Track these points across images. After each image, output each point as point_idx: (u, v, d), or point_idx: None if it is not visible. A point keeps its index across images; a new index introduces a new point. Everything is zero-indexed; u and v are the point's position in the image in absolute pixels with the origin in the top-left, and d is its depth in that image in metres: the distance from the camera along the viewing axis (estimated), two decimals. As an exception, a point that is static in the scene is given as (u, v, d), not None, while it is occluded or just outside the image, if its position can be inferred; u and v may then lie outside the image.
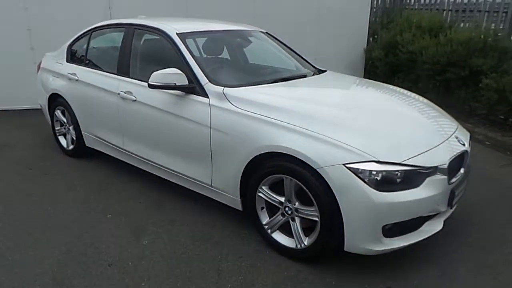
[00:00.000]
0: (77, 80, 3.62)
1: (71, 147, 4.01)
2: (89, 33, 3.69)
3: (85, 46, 3.71)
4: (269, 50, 3.50)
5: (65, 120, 3.99)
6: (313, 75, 3.18)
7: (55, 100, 3.97)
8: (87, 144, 3.81)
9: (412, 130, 2.33)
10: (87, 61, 3.66)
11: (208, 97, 2.59)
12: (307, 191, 2.13)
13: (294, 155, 2.11)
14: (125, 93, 3.09)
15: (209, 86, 2.62)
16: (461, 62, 5.28)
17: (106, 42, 3.72)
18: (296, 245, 2.29)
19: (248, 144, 2.32)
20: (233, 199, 2.58)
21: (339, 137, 2.06)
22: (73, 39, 3.89)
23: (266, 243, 2.48)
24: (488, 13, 5.92)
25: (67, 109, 3.83)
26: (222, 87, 2.59)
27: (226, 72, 2.99)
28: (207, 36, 3.16)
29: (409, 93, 3.03)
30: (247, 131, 2.33)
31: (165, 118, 2.80)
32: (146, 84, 2.91)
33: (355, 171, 1.96)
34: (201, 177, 2.72)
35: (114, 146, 3.42)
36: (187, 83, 2.65)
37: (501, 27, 5.67)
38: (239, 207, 2.59)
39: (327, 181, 2.02)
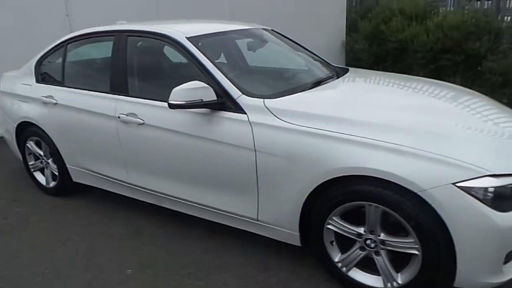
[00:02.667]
0: (55, 104, 2.95)
1: (52, 184, 3.32)
2: (63, 45, 3.02)
3: (60, 62, 3.04)
4: (284, 49, 3.05)
5: (41, 153, 3.29)
6: (342, 74, 2.77)
7: (26, 129, 3.26)
8: (74, 180, 3.15)
9: (501, 133, 1.98)
10: (66, 80, 3.00)
11: (245, 113, 2.10)
12: (402, 219, 1.72)
13: (385, 178, 1.69)
14: (126, 115, 2.51)
15: (244, 99, 2.13)
16: (456, 48, 5.15)
17: (89, 54, 3.08)
18: (386, 285, 1.88)
19: (314, 168, 1.87)
20: (289, 234, 2.11)
21: (440, 150, 1.66)
22: (41, 54, 3.19)
23: (339, 284, 2.05)
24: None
25: (43, 139, 3.15)
26: (261, 99, 2.11)
27: (255, 80, 2.51)
28: (219, 39, 2.65)
29: (462, 88, 2.70)
30: (311, 151, 1.87)
31: (188, 143, 2.27)
32: (155, 103, 2.39)
33: (468, 190, 1.58)
34: (243, 211, 2.23)
35: (115, 180, 2.81)
36: (215, 98, 2.14)
37: (485, 8, 5.63)
38: (297, 242, 2.13)
39: (433, 206, 1.62)
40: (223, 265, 2.31)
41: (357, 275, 1.97)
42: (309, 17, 6.53)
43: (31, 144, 3.31)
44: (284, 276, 2.18)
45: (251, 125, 2.06)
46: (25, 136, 3.30)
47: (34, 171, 3.43)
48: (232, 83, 2.18)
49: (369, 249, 1.89)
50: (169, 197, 2.53)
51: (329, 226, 1.95)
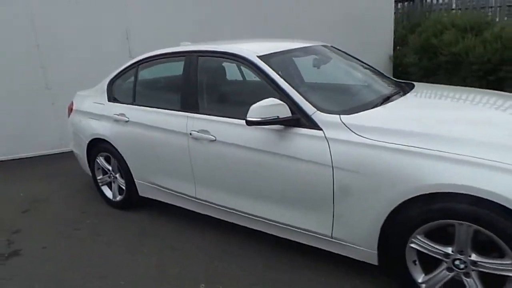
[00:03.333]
0: (127, 121, 3.11)
1: (118, 198, 3.48)
2: (135, 66, 3.21)
3: (132, 82, 3.22)
4: (346, 65, 3.06)
5: (109, 168, 3.46)
6: (408, 89, 2.71)
7: (97, 145, 3.45)
8: (141, 194, 3.28)
9: None
10: (138, 99, 3.16)
11: (320, 129, 2.11)
12: (499, 240, 1.64)
13: (483, 196, 1.62)
14: (198, 132, 2.60)
15: (319, 116, 2.15)
16: (515, 60, 4.93)
17: (159, 74, 3.24)
18: (477, 308, 1.79)
19: (398, 184, 1.83)
20: (366, 252, 2.07)
21: None
22: (114, 75, 3.40)
23: (422, 306, 1.97)
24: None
25: (113, 155, 3.32)
26: (337, 115, 2.12)
27: (326, 96, 2.52)
28: (287, 56, 2.70)
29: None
30: (394, 167, 1.84)
31: (261, 159, 2.30)
32: (227, 120, 2.46)
33: None
34: (316, 227, 2.21)
35: (182, 195, 2.89)
36: (290, 114, 2.17)
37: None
38: (374, 261, 2.08)
39: (535, 226, 1.54)
40: (295, 283, 2.29)
41: (443, 297, 1.88)
42: (356, 31, 6.50)
43: (100, 160, 3.49)
44: (359, 295, 2.13)
45: (327, 141, 2.06)
46: (95, 151, 3.49)
47: (102, 185, 3.61)
48: (306, 99, 2.21)
49: (458, 270, 1.81)
50: (238, 213, 2.57)
51: (412, 245, 1.89)
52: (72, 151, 3.95)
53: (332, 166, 2.03)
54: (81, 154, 3.68)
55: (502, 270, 1.69)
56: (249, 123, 2.16)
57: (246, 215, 2.53)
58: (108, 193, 3.57)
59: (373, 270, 2.20)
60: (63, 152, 5.18)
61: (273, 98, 2.18)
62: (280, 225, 2.37)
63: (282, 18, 6.07)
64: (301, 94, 2.24)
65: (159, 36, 5.18)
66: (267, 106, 2.13)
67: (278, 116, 2.14)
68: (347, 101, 2.44)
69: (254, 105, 2.14)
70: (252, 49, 2.57)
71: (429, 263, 1.92)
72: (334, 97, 2.57)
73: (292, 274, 2.35)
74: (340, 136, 2.04)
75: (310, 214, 2.21)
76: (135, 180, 3.24)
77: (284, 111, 2.15)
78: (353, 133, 2.02)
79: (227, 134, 2.46)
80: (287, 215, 2.31)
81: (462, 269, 1.80)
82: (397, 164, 1.84)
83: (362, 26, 6.62)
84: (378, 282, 2.20)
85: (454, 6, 7.40)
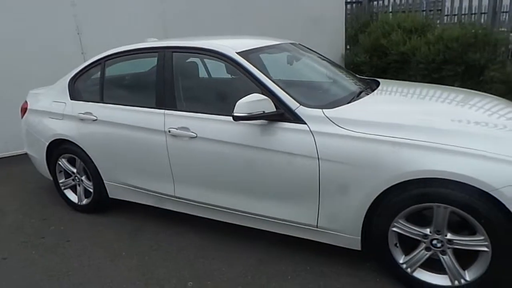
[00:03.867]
0: (94, 120, 2.96)
1: (85, 201, 3.30)
2: (100, 63, 3.05)
3: (98, 79, 3.07)
4: (314, 62, 3.17)
5: (74, 170, 3.27)
6: (376, 85, 2.89)
7: (58, 147, 3.24)
8: (111, 196, 3.14)
9: None
10: (106, 97, 3.01)
11: (305, 123, 2.19)
12: (472, 218, 1.82)
13: (458, 180, 1.79)
14: (177, 129, 2.55)
15: (302, 110, 2.22)
16: (457, 59, 5.42)
17: (128, 71, 3.11)
18: (453, 282, 1.97)
19: (380, 173, 1.96)
20: (350, 239, 2.19)
21: (504, 151, 1.79)
22: (76, 71, 3.21)
23: (403, 285, 2.12)
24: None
25: (79, 156, 3.14)
26: (320, 109, 2.21)
27: (305, 92, 2.60)
28: (263, 53, 2.74)
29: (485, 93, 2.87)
30: (377, 157, 1.97)
31: (246, 154, 2.33)
32: (208, 116, 2.46)
33: None
34: (302, 219, 2.29)
35: (159, 195, 2.82)
36: (274, 109, 2.22)
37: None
38: (357, 247, 2.20)
39: (504, 203, 1.74)
40: (280, 273, 2.35)
41: (423, 275, 2.05)
42: (311, 31, 6.73)
43: (63, 162, 3.29)
44: (346, 281, 2.24)
45: (313, 134, 2.15)
46: (57, 153, 3.28)
47: (65, 189, 3.40)
48: (289, 95, 2.27)
49: (435, 249, 1.99)
50: (220, 209, 2.57)
51: (394, 229, 2.04)
52: (26, 154, 3.67)
53: (318, 158, 2.12)
54: (39, 156, 3.43)
55: (475, 245, 1.88)
56: (236, 118, 2.17)
57: (229, 211, 2.54)
58: (72, 197, 3.38)
59: (352, 255, 2.33)
60: (11, 156, 4.80)
61: (257, 94, 2.22)
62: (265, 218, 2.42)
63: (239, 18, 6.13)
64: (283, 90, 2.30)
65: (112, 29, 4.99)
66: (253, 102, 2.16)
67: (263, 111, 2.18)
68: (324, 96, 2.54)
69: (240, 101, 2.16)
70: (229, 45, 2.58)
71: (406, 245, 2.09)
72: (312, 92, 2.66)
73: (281, 266, 2.41)
74: (325, 129, 2.13)
75: (296, 206, 2.28)
76: (104, 181, 3.10)
77: (269, 106, 2.20)
78: (337, 126, 2.12)
79: (208, 130, 2.45)
80: (271, 208, 2.36)
81: (439, 247, 1.98)
82: (380, 154, 1.97)
83: (316, 26, 6.88)
84: (359, 267, 2.34)
85: (391, 9, 7.94)
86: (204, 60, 3.09)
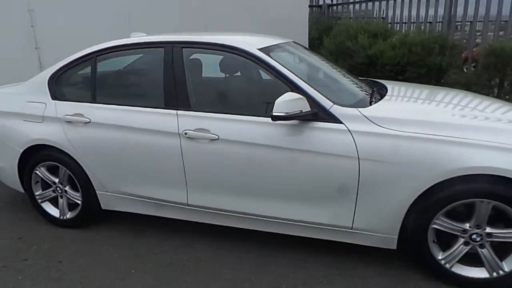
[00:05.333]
0: (87, 123, 2.62)
1: (69, 215, 2.91)
2: (91, 58, 2.70)
3: (89, 76, 2.71)
4: (319, 62, 3.14)
5: (55, 180, 2.87)
6: (383, 86, 2.91)
7: (36, 154, 2.82)
8: (104, 207, 2.81)
9: None
10: (100, 96, 2.67)
11: (341, 123, 2.13)
12: (513, 211, 1.90)
13: (502, 175, 1.85)
14: (194, 131, 2.35)
15: (337, 109, 2.16)
16: (420, 62, 5.78)
17: (127, 67, 2.80)
18: (491, 274, 2.04)
19: (424, 171, 1.96)
20: (387, 238, 2.17)
21: None
22: (57, 67, 2.80)
23: (440, 281, 2.15)
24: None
25: (64, 164, 2.76)
26: (355, 108, 2.17)
27: (331, 91, 2.51)
28: (277, 52, 2.62)
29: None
30: (421, 155, 1.97)
31: (278, 156, 2.20)
32: (231, 117, 2.30)
33: None
34: (336, 221, 2.22)
35: (168, 203, 2.57)
36: (309, 108, 2.13)
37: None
38: (393, 246, 2.19)
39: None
40: (313, 278, 2.27)
41: (461, 269, 2.10)
42: (277, 34, 6.77)
43: (42, 171, 2.87)
44: (382, 280, 2.22)
45: (351, 134, 2.09)
46: (34, 162, 2.85)
47: (42, 201, 2.97)
48: (322, 94, 2.20)
49: (474, 243, 2.04)
50: (244, 215, 2.41)
51: (435, 226, 2.06)
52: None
53: (358, 158, 2.07)
54: (8, 165, 2.95)
55: (512, 237, 1.97)
56: (275, 118, 2.05)
57: (254, 217, 2.39)
58: (53, 210, 2.96)
59: (380, 254, 2.32)
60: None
61: (292, 93, 2.12)
62: (294, 223, 2.31)
63: (211, 21, 5.96)
64: (314, 88, 2.22)
65: (70, 23, 4.51)
66: (291, 101, 2.05)
67: (301, 111, 2.08)
68: (348, 95, 2.51)
69: (279, 100, 2.04)
70: (246, 41, 2.44)
71: (441, 241, 2.12)
72: (335, 91, 2.61)
73: (311, 270, 2.32)
74: (363, 128, 2.09)
75: (330, 208, 2.20)
76: (96, 191, 2.75)
77: (305, 105, 2.10)
78: (375, 125, 2.09)
79: (233, 132, 2.28)
80: (303, 212, 2.27)
81: (478, 241, 2.04)
82: (424, 152, 1.97)
83: (282, 29, 6.93)
84: (389, 266, 2.34)
85: (352, 15, 8.32)
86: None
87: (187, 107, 2.42)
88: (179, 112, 2.42)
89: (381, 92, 2.66)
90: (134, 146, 2.52)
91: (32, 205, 3.01)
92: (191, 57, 2.55)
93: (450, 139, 1.96)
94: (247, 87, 2.64)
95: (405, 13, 6.91)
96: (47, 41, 4.42)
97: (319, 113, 2.16)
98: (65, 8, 4.56)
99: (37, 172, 2.88)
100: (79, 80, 2.82)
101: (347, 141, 2.09)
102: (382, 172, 2.05)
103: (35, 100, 2.84)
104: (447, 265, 2.11)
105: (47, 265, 2.47)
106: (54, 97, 2.79)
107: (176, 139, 2.40)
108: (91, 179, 2.72)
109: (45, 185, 2.93)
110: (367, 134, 2.08)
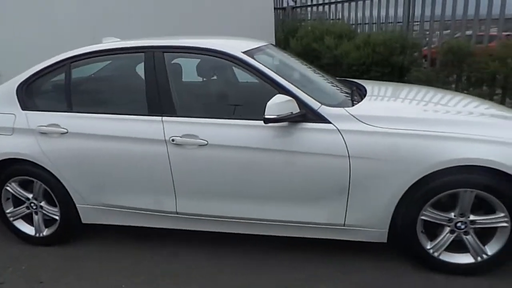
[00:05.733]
0: (64, 133, 2.49)
1: (46, 232, 2.75)
2: (64, 64, 2.56)
3: (62, 84, 2.57)
4: (297, 64, 3.19)
5: (29, 196, 2.69)
6: (362, 86, 3.00)
7: (6, 169, 2.64)
8: (84, 221, 2.67)
9: None
10: (76, 105, 2.54)
11: (329, 122, 2.17)
12: (495, 198, 2.03)
13: (485, 165, 1.97)
14: (181, 137, 2.30)
15: (325, 110, 2.20)
16: (384, 61, 6.03)
17: (103, 73, 2.68)
18: (476, 259, 2.16)
19: (412, 165, 2.05)
20: (377, 232, 2.24)
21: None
22: (27, 76, 2.63)
23: (429, 269, 2.25)
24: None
25: (39, 178, 2.60)
26: (342, 108, 2.22)
27: (318, 91, 2.53)
28: (259, 54, 2.62)
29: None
30: (407, 150, 2.06)
31: (268, 159, 2.21)
32: (220, 121, 2.28)
33: None
34: (329, 219, 2.26)
35: (155, 212, 2.50)
36: (298, 110, 2.16)
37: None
38: (383, 239, 2.27)
39: (523, 182, 1.98)
40: (316, 277, 2.29)
41: (448, 257, 2.21)
42: (240, 34, 6.79)
43: (13, 187, 2.68)
44: (374, 274, 2.29)
45: (341, 133, 2.14)
46: (3, 177, 2.66)
47: (15, 219, 2.78)
48: (309, 95, 2.23)
49: (459, 230, 2.16)
50: (236, 220, 2.39)
51: (423, 217, 2.16)
52: None
53: (349, 156, 2.12)
54: (-26, 184, 2.74)
55: (495, 222, 2.10)
56: (267, 121, 2.05)
57: (247, 221, 2.38)
58: (27, 228, 2.78)
59: (372, 248, 2.40)
60: None
61: (281, 95, 2.13)
62: (290, 224, 2.32)
63: (177, 23, 5.86)
64: (301, 90, 2.25)
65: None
66: (282, 103, 2.07)
67: (292, 112, 2.10)
68: (332, 96, 2.56)
69: (270, 102, 2.05)
70: (230, 45, 2.43)
71: (428, 231, 2.22)
72: (320, 92, 2.64)
73: (308, 271, 2.34)
74: (352, 127, 2.14)
75: (324, 206, 2.24)
76: (76, 205, 2.62)
77: (294, 107, 2.13)
78: (363, 123, 2.15)
79: (222, 136, 2.25)
80: (296, 212, 2.28)
81: (462, 229, 2.15)
82: (411, 147, 2.06)
83: (249, 32, 6.94)
84: (382, 258, 2.41)
85: (309, 17, 8.52)
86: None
87: (172, 113, 2.37)
88: (164, 118, 2.35)
89: (360, 92, 2.75)
90: (116, 155, 2.43)
91: (4, 224, 2.81)
92: (172, 62, 2.50)
93: (434, 134, 2.06)
94: (232, 91, 2.62)
95: (367, 13, 7.17)
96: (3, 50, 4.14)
97: (307, 114, 2.19)
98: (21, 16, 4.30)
99: (8, 188, 2.69)
100: (52, 89, 2.68)
101: (337, 141, 2.14)
102: (372, 168, 2.12)
103: (2, 112, 2.65)
104: (435, 254, 2.21)
105: (28, 286, 2.32)
106: (25, 107, 2.62)
107: (163, 146, 2.33)
108: (70, 192, 2.59)
109: (17, 201, 2.75)
110: (356, 132, 2.13)
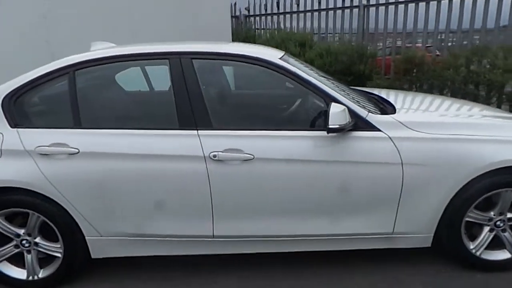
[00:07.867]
0: (75, 153, 2.09)
1: (41, 274, 2.28)
2: (67, 72, 2.16)
3: (66, 96, 2.15)
4: (316, 72, 3.11)
5: (20, 232, 2.21)
6: (385, 94, 3.02)
7: (-9, 201, 2.14)
8: (94, 256, 2.28)
9: None
10: (85, 120, 2.15)
11: (379, 130, 2.14)
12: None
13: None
14: (223, 152, 2.07)
15: (373, 117, 2.16)
16: (346, 70, 6.28)
17: (116, 83, 2.30)
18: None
19: (461, 169, 2.10)
20: (423, 238, 2.26)
21: None
22: (15, 86, 2.16)
23: (471, 268, 2.33)
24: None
25: (37, 209, 2.15)
26: (389, 115, 2.21)
27: (355, 99, 2.46)
28: (291, 61, 2.48)
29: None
30: (457, 155, 2.11)
31: (319, 171, 2.09)
32: (266, 133, 2.13)
33: None
34: (378, 228, 2.22)
35: (187, 238, 2.21)
36: (351, 119, 2.09)
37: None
38: (428, 244, 2.29)
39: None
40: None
41: (488, 255, 2.30)
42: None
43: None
44: (423, 279, 2.30)
45: (392, 140, 2.12)
46: (-13, 212, 2.15)
47: (1, 260, 2.26)
48: (355, 103, 2.18)
49: (498, 228, 2.27)
50: (282, 238, 2.22)
51: (467, 219, 2.22)
52: None
53: (402, 164, 2.11)
54: None
55: (529, 219, 2.25)
56: (331, 131, 1.95)
57: (293, 238, 2.23)
58: (15, 272, 2.28)
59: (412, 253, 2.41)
60: None
61: (336, 104, 2.05)
62: (338, 237, 2.23)
63: (134, 27, 5.44)
64: (347, 99, 2.19)
65: None
66: (340, 112, 1.98)
67: (349, 121, 2.03)
68: (367, 103, 2.53)
69: (333, 111, 1.96)
70: (262, 51, 2.28)
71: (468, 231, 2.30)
72: (356, 100, 2.59)
73: (345, 282, 2.27)
74: (402, 134, 2.13)
75: (374, 216, 2.19)
76: (86, 237, 2.22)
77: (347, 116, 2.05)
78: (412, 130, 2.15)
79: (272, 149, 2.08)
80: (348, 224, 2.20)
81: (501, 227, 2.27)
82: (460, 152, 2.12)
83: (207, 38, 6.76)
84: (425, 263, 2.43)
85: (262, 25, 8.60)
86: (145, 68, 2.59)
87: (208, 126, 2.13)
88: (201, 132, 2.11)
89: (378, 99, 2.78)
90: (142, 176, 2.11)
91: (-20, 270, 2.26)
92: (201, 70, 2.26)
93: (480, 138, 2.14)
94: (274, 100, 2.46)
95: (322, 24, 7.43)
96: None
97: (357, 123, 2.14)
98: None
99: (-7, 225, 2.18)
100: (52, 101, 2.25)
101: (390, 148, 2.11)
102: (423, 174, 2.13)
103: (-21, 131, 2.15)
104: (478, 253, 2.29)
105: None
106: (14, 124, 2.16)
107: (201, 163, 2.08)
108: (79, 223, 2.18)
109: (3, 239, 2.24)
110: (407, 139, 2.13)
